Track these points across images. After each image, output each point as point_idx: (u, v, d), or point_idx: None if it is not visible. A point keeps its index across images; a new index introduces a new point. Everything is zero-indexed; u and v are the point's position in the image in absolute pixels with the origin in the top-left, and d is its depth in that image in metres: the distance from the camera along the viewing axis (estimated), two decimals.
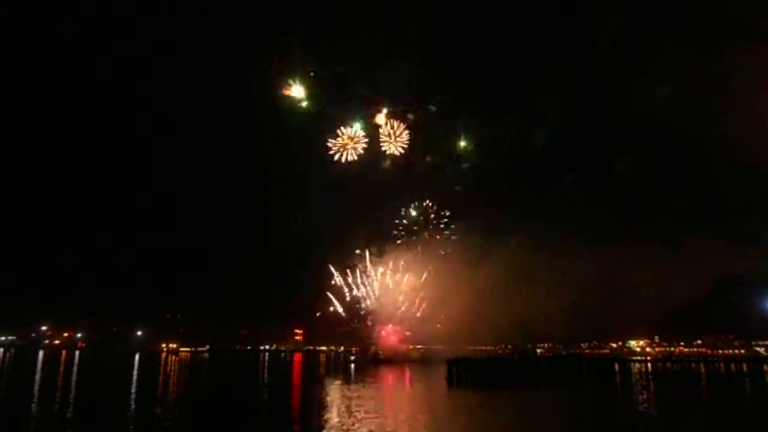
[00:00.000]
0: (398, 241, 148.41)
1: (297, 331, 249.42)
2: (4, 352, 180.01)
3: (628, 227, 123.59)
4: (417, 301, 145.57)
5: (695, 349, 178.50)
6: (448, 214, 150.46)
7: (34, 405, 43.64)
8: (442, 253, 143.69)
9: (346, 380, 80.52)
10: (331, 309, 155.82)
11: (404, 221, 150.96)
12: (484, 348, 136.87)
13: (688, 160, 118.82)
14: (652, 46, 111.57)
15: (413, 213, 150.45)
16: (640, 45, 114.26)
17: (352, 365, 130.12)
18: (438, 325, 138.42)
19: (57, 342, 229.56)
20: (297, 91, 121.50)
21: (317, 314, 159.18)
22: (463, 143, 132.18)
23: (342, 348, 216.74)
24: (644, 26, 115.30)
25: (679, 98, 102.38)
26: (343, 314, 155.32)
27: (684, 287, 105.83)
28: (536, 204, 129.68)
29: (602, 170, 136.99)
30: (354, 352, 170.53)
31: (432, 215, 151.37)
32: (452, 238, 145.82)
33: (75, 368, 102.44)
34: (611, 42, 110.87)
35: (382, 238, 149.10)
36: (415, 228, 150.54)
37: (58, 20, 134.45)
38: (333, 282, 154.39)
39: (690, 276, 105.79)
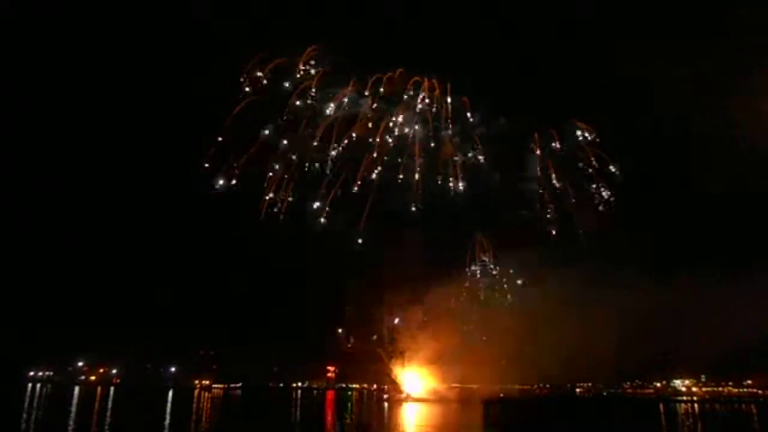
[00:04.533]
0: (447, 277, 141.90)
1: (329, 368, 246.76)
2: (41, 388, 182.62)
3: (684, 262, 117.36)
4: (456, 339, 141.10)
5: (745, 390, 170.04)
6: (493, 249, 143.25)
7: None
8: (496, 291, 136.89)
9: (380, 422, 78.75)
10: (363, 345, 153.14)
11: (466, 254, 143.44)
12: (522, 387, 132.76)
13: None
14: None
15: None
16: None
17: (385, 404, 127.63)
18: (475, 363, 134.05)
19: (93, 378, 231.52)
20: None
21: (348, 345, 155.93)
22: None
23: (375, 386, 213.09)
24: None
25: None
26: (376, 351, 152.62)
27: (737, 324, 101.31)
28: (591, 237, 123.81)
29: (663, 203, 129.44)
30: (387, 390, 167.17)
31: (481, 249, 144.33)
32: (493, 272, 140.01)
33: (110, 404, 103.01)
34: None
35: (423, 273, 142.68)
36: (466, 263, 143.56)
37: None
38: (366, 319, 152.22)
39: (744, 312, 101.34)
